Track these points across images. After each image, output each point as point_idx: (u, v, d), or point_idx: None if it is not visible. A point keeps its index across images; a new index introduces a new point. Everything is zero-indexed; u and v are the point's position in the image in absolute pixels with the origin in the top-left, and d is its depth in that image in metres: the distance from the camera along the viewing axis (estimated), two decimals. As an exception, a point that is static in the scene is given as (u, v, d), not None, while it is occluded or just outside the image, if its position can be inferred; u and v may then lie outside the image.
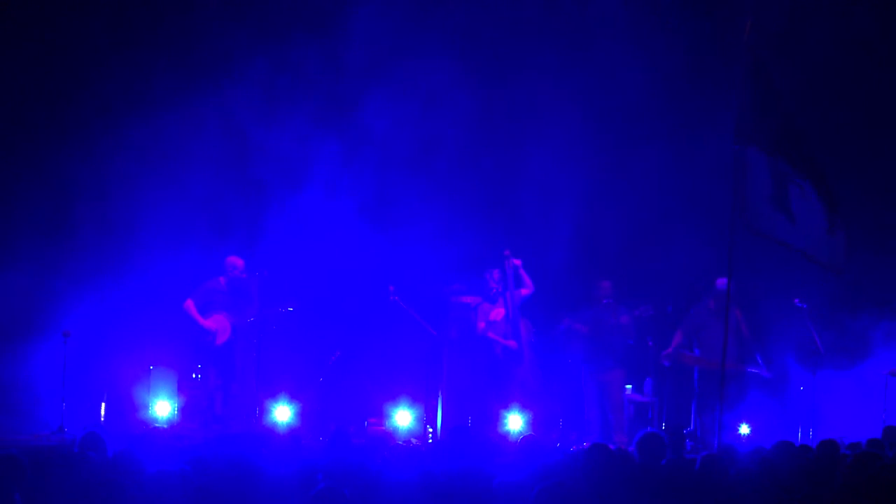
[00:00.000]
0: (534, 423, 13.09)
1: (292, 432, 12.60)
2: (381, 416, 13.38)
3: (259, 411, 13.23)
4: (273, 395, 13.16)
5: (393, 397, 13.32)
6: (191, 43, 14.17)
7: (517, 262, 13.56)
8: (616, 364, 13.68)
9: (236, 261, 13.67)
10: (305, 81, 14.35)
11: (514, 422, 12.98)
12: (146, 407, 13.04)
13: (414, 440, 12.85)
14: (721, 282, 13.17)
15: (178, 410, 13.12)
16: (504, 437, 12.61)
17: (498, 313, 13.59)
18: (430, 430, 13.30)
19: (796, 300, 13.84)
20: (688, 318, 13.80)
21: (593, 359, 13.63)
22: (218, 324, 13.55)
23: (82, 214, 13.89)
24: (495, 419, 13.10)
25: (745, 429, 13.49)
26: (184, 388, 13.34)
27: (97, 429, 8.30)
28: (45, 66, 14.13)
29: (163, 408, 12.99)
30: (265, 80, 14.25)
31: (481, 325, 13.57)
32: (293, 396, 13.14)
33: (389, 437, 12.92)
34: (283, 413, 12.96)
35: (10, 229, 13.69)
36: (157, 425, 12.30)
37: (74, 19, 14.09)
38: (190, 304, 13.54)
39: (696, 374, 13.67)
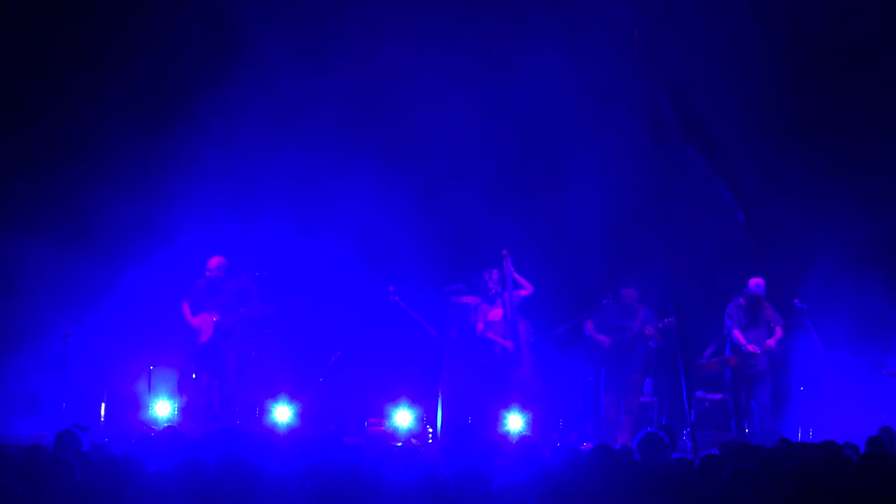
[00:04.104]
0: (533, 424, 13.08)
1: (292, 432, 12.61)
2: (381, 416, 13.37)
3: (259, 411, 13.23)
4: (273, 395, 13.16)
5: (393, 397, 13.32)
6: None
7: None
8: (639, 369, 13.66)
9: (210, 261, 13.67)
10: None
11: (514, 422, 12.97)
12: (146, 407, 13.05)
13: (414, 440, 12.85)
14: (754, 281, 13.28)
15: (178, 410, 13.12)
16: (504, 437, 12.61)
17: (496, 314, 13.58)
18: (430, 430, 13.30)
19: (796, 300, 13.83)
20: (733, 317, 13.57)
21: (617, 364, 13.60)
22: (201, 322, 13.56)
23: (83, 215, 13.89)
24: (495, 419, 13.09)
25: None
26: (184, 389, 13.35)
27: (72, 427, 8.28)
28: (46, 68, 14.15)
29: (163, 408, 13.00)
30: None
31: (480, 325, 13.56)
32: (293, 396, 13.14)
33: (389, 437, 12.92)
34: (283, 413, 12.96)
35: (10, 230, 13.69)
36: (157, 426, 12.31)
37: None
38: (185, 306, 13.58)
39: (728, 374, 13.55)
